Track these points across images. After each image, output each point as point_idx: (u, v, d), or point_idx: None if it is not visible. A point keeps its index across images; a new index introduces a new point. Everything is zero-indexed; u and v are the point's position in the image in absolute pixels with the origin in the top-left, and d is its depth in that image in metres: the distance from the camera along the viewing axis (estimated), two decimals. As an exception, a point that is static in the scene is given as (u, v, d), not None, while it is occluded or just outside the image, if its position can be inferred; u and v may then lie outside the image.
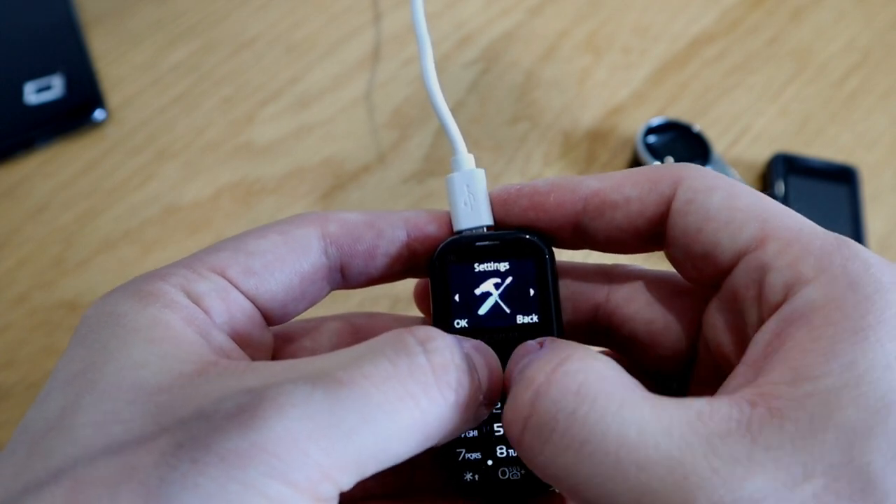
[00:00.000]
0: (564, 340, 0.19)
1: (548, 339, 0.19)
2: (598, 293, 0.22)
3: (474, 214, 0.22)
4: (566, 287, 0.23)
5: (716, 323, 0.19)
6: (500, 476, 0.21)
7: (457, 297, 0.21)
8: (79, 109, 0.46)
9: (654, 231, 0.20)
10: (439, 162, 0.47)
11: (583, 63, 0.52)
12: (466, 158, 0.22)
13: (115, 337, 0.17)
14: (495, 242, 0.21)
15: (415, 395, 0.16)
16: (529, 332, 0.21)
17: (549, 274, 0.21)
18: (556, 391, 0.16)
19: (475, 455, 0.21)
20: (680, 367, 0.22)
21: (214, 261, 0.19)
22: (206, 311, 0.18)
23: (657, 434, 0.15)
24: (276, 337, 0.22)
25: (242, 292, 0.19)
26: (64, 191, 0.44)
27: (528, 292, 0.21)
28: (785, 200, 0.45)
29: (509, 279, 0.21)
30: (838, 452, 0.14)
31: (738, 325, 0.19)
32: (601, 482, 0.15)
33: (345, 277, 0.22)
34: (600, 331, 0.23)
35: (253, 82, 0.49)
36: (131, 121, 0.47)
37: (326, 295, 0.22)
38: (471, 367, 0.18)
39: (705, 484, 0.14)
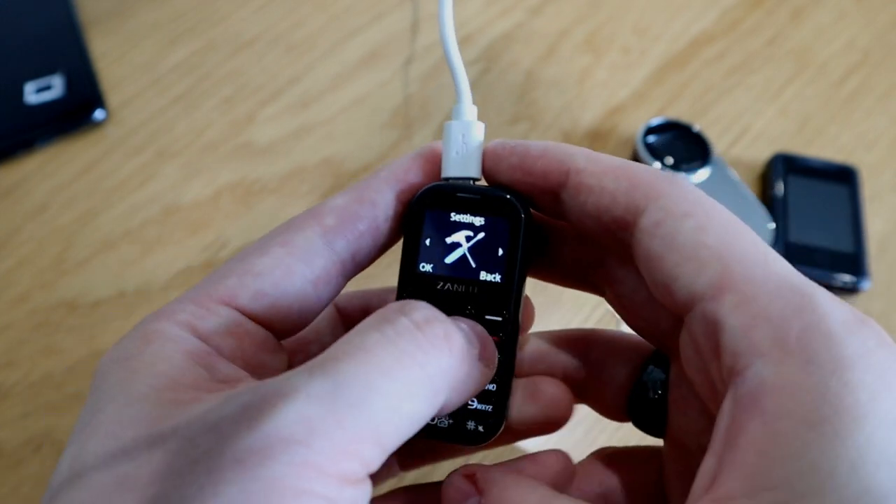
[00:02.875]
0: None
1: (481, 483, 0.20)
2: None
3: (463, 164, 0.22)
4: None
5: (686, 356, 0.19)
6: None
7: (427, 242, 0.21)
8: (79, 109, 0.46)
9: (619, 233, 0.19)
10: (439, 162, 0.47)
11: (583, 63, 0.52)
12: (469, 109, 0.22)
13: (120, 379, 0.17)
14: (475, 196, 0.21)
15: (410, 352, 0.16)
16: (489, 290, 0.21)
17: (520, 237, 0.21)
18: None
19: None
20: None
21: (222, 290, 0.19)
22: (214, 348, 0.18)
23: None
24: (292, 351, 0.22)
25: (254, 318, 0.19)
26: (64, 191, 0.44)
27: (497, 251, 0.21)
28: (785, 200, 0.45)
29: (481, 234, 0.21)
30: None
31: (703, 371, 0.18)
32: None
33: (356, 262, 0.21)
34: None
35: (253, 82, 0.49)
36: (131, 121, 0.47)
37: (343, 287, 0.22)
38: (457, 323, 0.18)
39: None
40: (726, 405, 0.16)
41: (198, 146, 0.46)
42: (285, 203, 0.44)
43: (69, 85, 0.47)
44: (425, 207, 0.21)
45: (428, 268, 0.21)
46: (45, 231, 0.42)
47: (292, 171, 0.46)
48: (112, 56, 0.50)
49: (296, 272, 0.19)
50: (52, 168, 0.45)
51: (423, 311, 0.17)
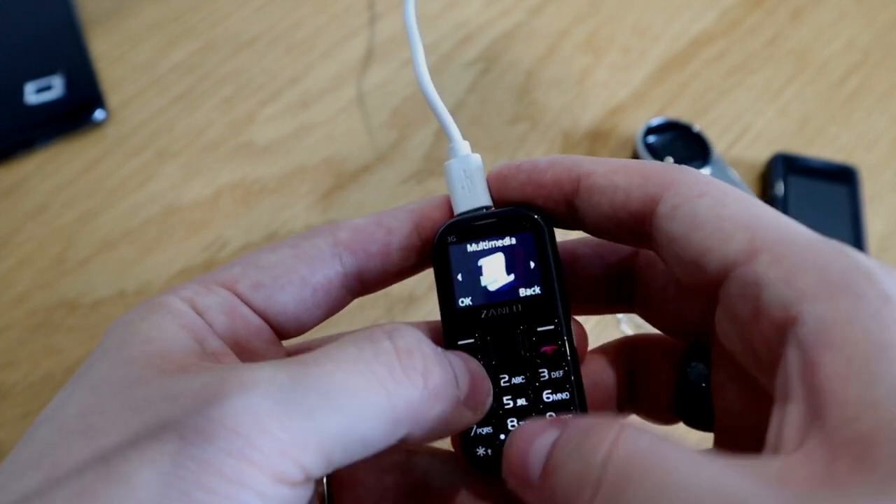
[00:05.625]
0: (588, 417, 0.18)
1: (567, 418, 0.18)
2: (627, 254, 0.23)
3: (472, 197, 0.22)
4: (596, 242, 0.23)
5: (724, 331, 0.19)
6: None
7: (459, 277, 0.21)
8: (79, 109, 0.46)
9: (638, 227, 0.20)
10: (439, 162, 0.47)
11: (583, 63, 0.52)
12: (462, 145, 0.23)
13: (119, 340, 0.17)
14: (491, 220, 0.21)
15: (380, 376, 0.16)
16: (533, 304, 0.21)
17: (548, 246, 0.21)
18: (625, 460, 0.15)
19: (486, 429, 0.21)
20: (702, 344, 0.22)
21: (225, 276, 0.20)
22: (208, 323, 0.19)
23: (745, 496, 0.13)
24: (292, 353, 0.22)
25: (251, 306, 0.20)
26: (64, 191, 0.44)
27: (529, 265, 0.21)
28: (785, 200, 0.45)
29: (509, 254, 0.21)
30: None
31: (745, 339, 0.18)
32: None
33: (363, 282, 0.22)
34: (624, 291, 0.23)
35: (253, 82, 0.49)
36: (131, 121, 0.47)
37: (348, 304, 0.22)
38: (443, 362, 0.18)
39: None
40: (791, 354, 0.16)
41: (198, 146, 0.46)
42: (285, 203, 0.44)
43: (69, 85, 0.47)
44: (447, 244, 0.21)
45: (467, 301, 0.21)
46: (45, 231, 0.42)
47: (292, 171, 0.46)
48: (112, 56, 0.50)
49: (296, 272, 0.20)
50: (52, 168, 0.45)
51: (409, 338, 0.17)
